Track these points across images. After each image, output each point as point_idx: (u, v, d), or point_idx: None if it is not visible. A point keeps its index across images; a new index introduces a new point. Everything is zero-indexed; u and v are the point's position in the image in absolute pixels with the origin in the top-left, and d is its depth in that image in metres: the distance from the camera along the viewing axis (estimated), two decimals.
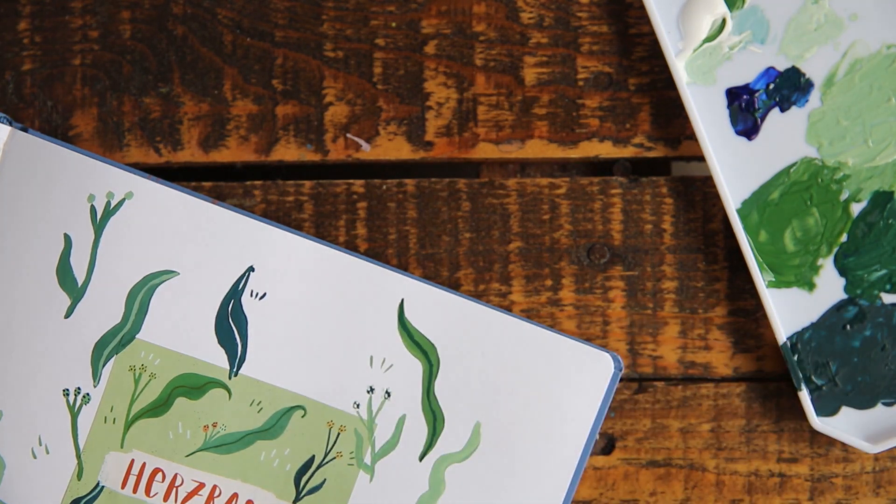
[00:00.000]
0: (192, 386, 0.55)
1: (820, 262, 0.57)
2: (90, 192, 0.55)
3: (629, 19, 0.58)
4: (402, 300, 0.55)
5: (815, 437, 0.58)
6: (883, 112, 0.56)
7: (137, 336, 0.55)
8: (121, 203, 0.55)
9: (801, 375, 0.56)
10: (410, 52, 0.59)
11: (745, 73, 0.57)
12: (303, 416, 0.55)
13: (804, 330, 0.57)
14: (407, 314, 0.55)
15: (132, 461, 0.55)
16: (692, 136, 0.58)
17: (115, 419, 0.55)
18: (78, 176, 0.55)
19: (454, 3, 0.59)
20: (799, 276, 0.57)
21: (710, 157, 0.56)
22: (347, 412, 0.55)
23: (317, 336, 0.55)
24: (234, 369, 0.55)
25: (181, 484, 0.55)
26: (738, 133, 0.57)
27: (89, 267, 0.55)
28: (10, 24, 0.59)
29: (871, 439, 0.56)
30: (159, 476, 0.55)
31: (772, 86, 0.57)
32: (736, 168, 0.57)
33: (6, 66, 0.59)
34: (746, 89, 0.57)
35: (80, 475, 0.55)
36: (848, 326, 0.56)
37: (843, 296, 0.56)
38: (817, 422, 0.56)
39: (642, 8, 0.58)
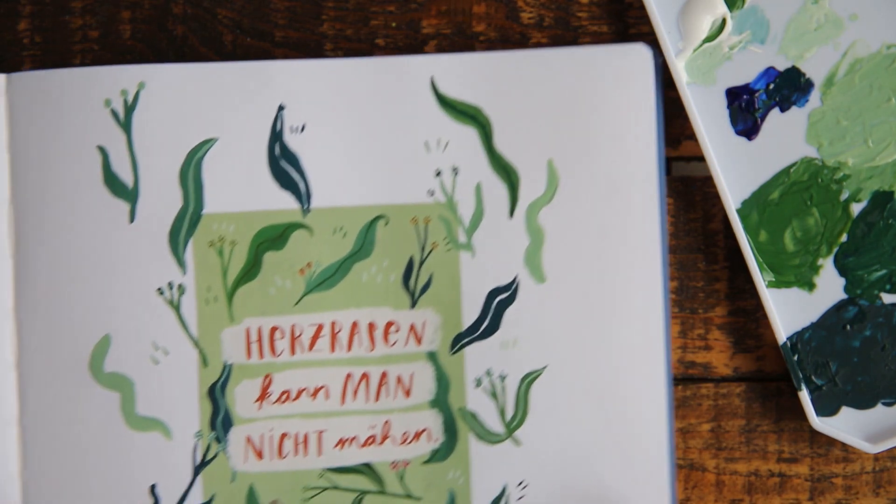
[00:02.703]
0: (274, 237, 0.55)
1: (820, 262, 0.57)
2: (105, 98, 0.55)
3: (629, 19, 0.58)
4: (432, 78, 0.55)
5: (815, 437, 0.58)
6: (883, 112, 0.56)
7: (204, 212, 0.55)
8: (137, 96, 0.55)
9: (801, 375, 0.56)
10: (410, 52, 0.59)
11: (745, 73, 0.56)
12: (386, 224, 0.56)
13: (804, 330, 0.57)
14: (441, 89, 0.55)
15: (247, 330, 0.56)
16: (692, 136, 0.58)
17: (215, 297, 0.56)
18: (86, 88, 0.55)
19: (454, 3, 0.59)
20: (799, 275, 0.57)
21: (709, 157, 0.56)
22: (425, 202, 0.56)
23: (367, 145, 0.55)
24: (306, 206, 0.55)
25: (300, 334, 0.56)
26: (738, 133, 0.57)
27: (133, 167, 0.55)
28: (10, 24, 0.59)
29: (871, 439, 0.56)
30: (278, 334, 0.56)
31: (772, 86, 0.56)
32: (736, 168, 0.56)
33: (6, 67, 0.58)
34: (746, 89, 0.57)
35: (205, 362, 0.56)
36: (848, 326, 0.56)
37: (843, 296, 0.56)
38: (817, 422, 0.56)
39: (642, 8, 0.58)
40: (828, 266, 0.57)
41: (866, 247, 0.56)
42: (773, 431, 0.59)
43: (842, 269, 0.56)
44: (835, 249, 0.56)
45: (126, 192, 0.55)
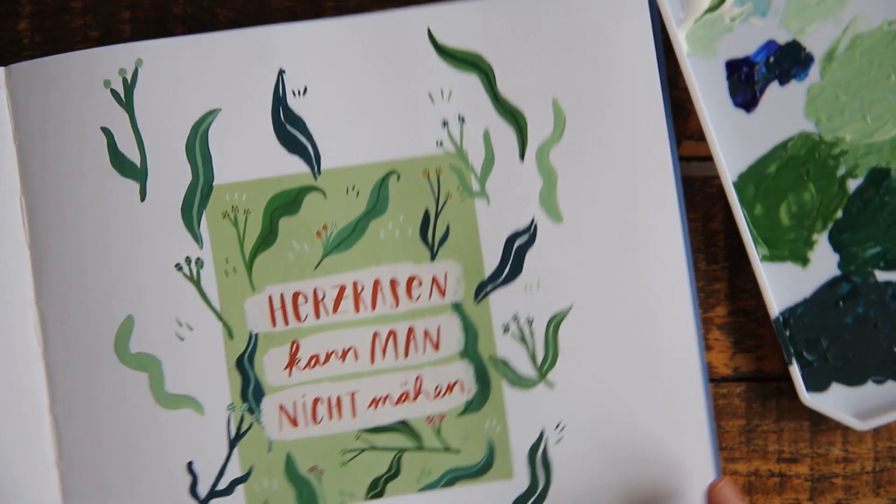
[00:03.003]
0: (287, 202, 0.55)
1: (815, 237, 0.56)
2: (104, 78, 0.55)
3: None
4: (429, 28, 0.55)
5: (815, 437, 0.58)
6: (882, 89, 0.56)
7: (214, 183, 0.55)
8: (135, 74, 0.55)
9: (791, 350, 0.56)
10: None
11: (745, 45, 0.56)
12: (398, 179, 0.55)
13: (797, 305, 0.56)
14: (439, 39, 0.55)
15: (269, 298, 0.56)
16: (693, 137, 0.58)
17: (234, 268, 0.55)
18: (84, 70, 0.54)
19: None
20: (793, 250, 0.56)
21: (707, 128, 0.56)
22: (435, 154, 0.55)
23: (371, 101, 0.55)
24: (316, 168, 0.55)
25: (323, 297, 0.56)
26: (737, 105, 0.56)
27: (139, 145, 0.55)
28: (10, 24, 0.58)
29: (861, 416, 0.56)
30: (301, 299, 0.56)
31: (772, 59, 0.56)
32: (733, 140, 0.56)
33: (6, 66, 0.58)
34: (746, 62, 0.56)
35: (230, 334, 0.55)
36: (841, 303, 0.56)
37: (837, 272, 0.56)
38: (807, 397, 0.56)
39: None
40: (822, 242, 0.56)
41: (861, 223, 0.56)
42: (773, 431, 0.58)
43: (836, 245, 0.56)
44: (830, 225, 0.56)
45: (135, 171, 0.55)
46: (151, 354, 0.55)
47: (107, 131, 0.55)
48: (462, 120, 0.55)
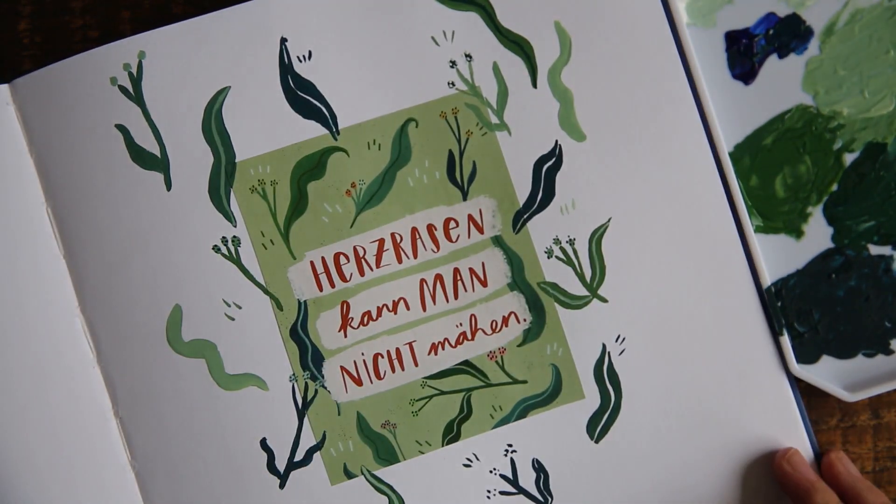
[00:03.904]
0: (312, 167, 0.55)
1: (809, 209, 0.57)
2: (109, 76, 0.55)
3: None
4: None
5: (816, 437, 0.58)
6: (881, 64, 0.56)
7: (237, 160, 0.55)
8: (140, 66, 0.55)
9: (783, 321, 0.56)
10: None
11: (745, 17, 0.56)
12: (417, 126, 0.55)
13: (789, 276, 0.56)
14: None
15: (311, 263, 0.56)
16: None
17: (271, 240, 0.55)
18: (89, 72, 0.55)
19: None
20: (787, 222, 0.57)
21: (705, 99, 0.56)
22: (449, 94, 0.55)
23: (377, 54, 0.55)
24: (334, 129, 0.55)
25: (364, 253, 0.56)
26: (735, 77, 0.56)
27: (155, 136, 0.55)
28: (10, 24, 0.58)
29: (850, 388, 0.56)
30: (342, 259, 0.56)
31: (771, 31, 0.56)
32: (731, 111, 0.56)
33: (6, 66, 0.58)
34: (746, 34, 0.56)
35: (279, 306, 0.55)
36: (833, 276, 0.56)
37: (831, 245, 0.56)
38: (797, 368, 0.56)
39: None
40: (817, 214, 0.57)
41: (856, 197, 0.56)
42: None
43: (830, 218, 0.57)
44: (825, 198, 0.56)
45: (156, 163, 0.55)
46: (205, 339, 0.55)
47: (122, 128, 0.55)
48: (469, 58, 0.55)
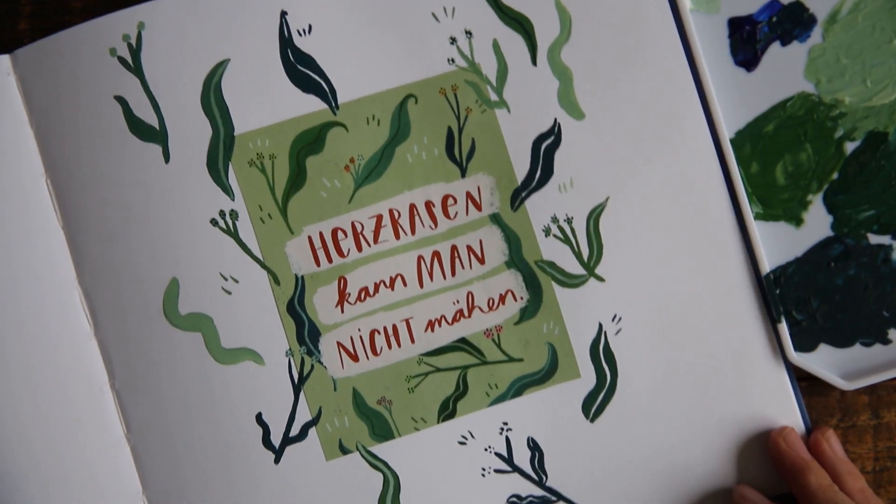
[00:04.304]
0: (311, 141, 0.55)
1: (809, 197, 0.57)
2: (109, 47, 0.55)
3: None
4: None
5: None
6: (883, 53, 0.56)
7: (235, 133, 0.55)
8: (139, 37, 0.55)
9: (781, 309, 0.56)
10: None
11: (748, 3, 0.56)
12: (416, 102, 0.55)
13: (788, 264, 0.56)
14: None
15: (309, 238, 0.55)
16: None
17: (269, 214, 0.55)
18: (88, 42, 0.55)
19: None
20: (787, 210, 0.57)
21: (707, 85, 0.56)
22: (449, 71, 0.55)
23: (377, 29, 0.55)
24: (333, 103, 0.55)
25: (362, 229, 0.55)
26: (738, 63, 0.56)
27: (154, 108, 0.55)
28: (10, 24, 0.58)
29: (847, 377, 0.56)
30: (340, 234, 0.55)
31: (775, 18, 0.56)
32: (732, 98, 0.56)
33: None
34: (749, 20, 0.56)
35: (276, 280, 0.55)
36: (832, 264, 0.56)
37: (830, 233, 0.56)
38: (794, 356, 0.56)
39: None
40: (817, 202, 0.57)
41: (857, 186, 0.56)
42: None
43: (831, 206, 0.57)
44: (825, 186, 0.56)
45: (154, 135, 0.55)
46: (202, 313, 0.55)
47: (121, 99, 0.55)
48: (469, 34, 0.55)
